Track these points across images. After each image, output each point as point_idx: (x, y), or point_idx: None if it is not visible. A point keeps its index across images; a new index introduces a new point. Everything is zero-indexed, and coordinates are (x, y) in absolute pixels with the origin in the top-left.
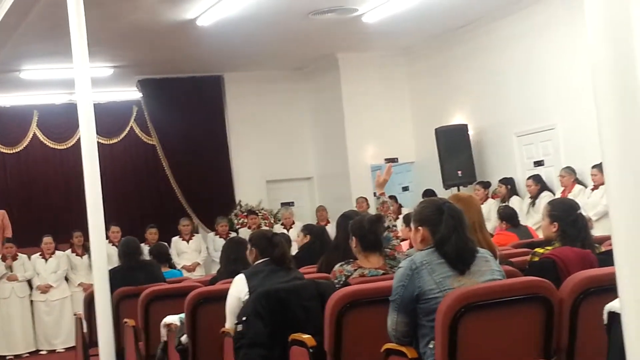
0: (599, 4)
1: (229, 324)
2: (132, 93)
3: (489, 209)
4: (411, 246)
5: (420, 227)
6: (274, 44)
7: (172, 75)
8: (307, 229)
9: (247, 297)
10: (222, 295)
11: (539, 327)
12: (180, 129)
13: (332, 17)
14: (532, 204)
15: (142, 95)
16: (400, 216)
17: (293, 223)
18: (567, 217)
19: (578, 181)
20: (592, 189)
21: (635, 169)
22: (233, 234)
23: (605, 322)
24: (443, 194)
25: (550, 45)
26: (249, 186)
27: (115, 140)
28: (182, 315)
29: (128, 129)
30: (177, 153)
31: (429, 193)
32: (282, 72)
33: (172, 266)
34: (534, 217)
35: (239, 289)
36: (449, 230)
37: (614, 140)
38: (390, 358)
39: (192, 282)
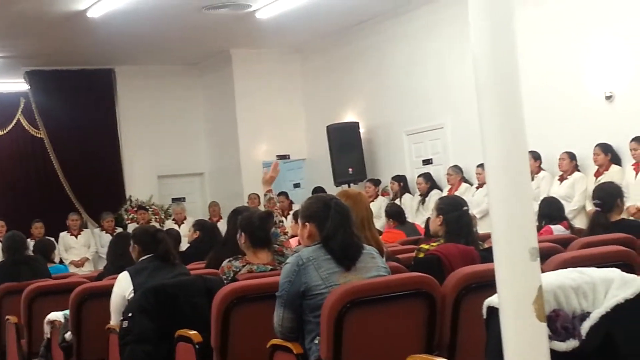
0: (482, 5)
1: (114, 321)
2: (19, 84)
3: (379, 207)
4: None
5: (307, 223)
6: (166, 38)
7: (61, 67)
8: (197, 225)
9: (131, 295)
10: (108, 291)
11: (423, 322)
12: (70, 122)
13: (226, 12)
14: (422, 201)
15: (29, 86)
16: (291, 213)
17: (184, 219)
18: (452, 212)
19: (464, 179)
20: (477, 187)
21: (514, 168)
22: (120, 230)
23: (485, 316)
24: (334, 191)
25: (441, 46)
26: (140, 181)
27: (1, 133)
28: (67, 311)
29: (15, 121)
30: (65, 147)
31: (318, 190)
32: (175, 67)
33: (59, 261)
34: (424, 215)
35: (123, 287)
36: (336, 226)
37: (494, 139)
38: (276, 354)
39: (78, 278)
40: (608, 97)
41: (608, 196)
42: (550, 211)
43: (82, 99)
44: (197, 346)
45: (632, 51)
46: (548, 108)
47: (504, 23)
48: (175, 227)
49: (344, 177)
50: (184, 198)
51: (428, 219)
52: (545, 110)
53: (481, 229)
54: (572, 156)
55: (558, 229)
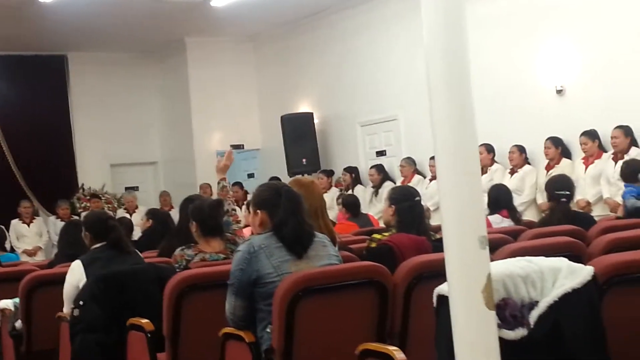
0: (435, 0)
1: (66, 309)
2: None
3: (332, 198)
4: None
5: (258, 211)
6: (121, 24)
7: (12, 52)
8: (150, 214)
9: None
10: (59, 280)
11: (374, 311)
12: (21, 109)
13: (181, 0)
14: (375, 193)
15: None
16: (246, 202)
17: (136, 207)
18: (404, 202)
19: (417, 172)
20: (430, 180)
21: (464, 159)
22: (75, 218)
23: (435, 305)
24: (288, 181)
25: (394, 38)
26: (93, 169)
27: None
28: (17, 299)
29: None
30: (16, 133)
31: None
32: (130, 54)
33: (10, 250)
34: (376, 206)
35: (76, 276)
36: (287, 214)
37: (445, 131)
38: (228, 342)
39: (28, 266)
40: (559, 91)
41: (572, 188)
42: (498, 196)
43: (33, 84)
44: (148, 335)
45: (582, 45)
46: (501, 102)
47: (456, 18)
48: (127, 215)
49: (298, 168)
50: (137, 187)
51: None
52: (498, 104)
53: (434, 220)
54: (521, 149)
55: (495, 220)
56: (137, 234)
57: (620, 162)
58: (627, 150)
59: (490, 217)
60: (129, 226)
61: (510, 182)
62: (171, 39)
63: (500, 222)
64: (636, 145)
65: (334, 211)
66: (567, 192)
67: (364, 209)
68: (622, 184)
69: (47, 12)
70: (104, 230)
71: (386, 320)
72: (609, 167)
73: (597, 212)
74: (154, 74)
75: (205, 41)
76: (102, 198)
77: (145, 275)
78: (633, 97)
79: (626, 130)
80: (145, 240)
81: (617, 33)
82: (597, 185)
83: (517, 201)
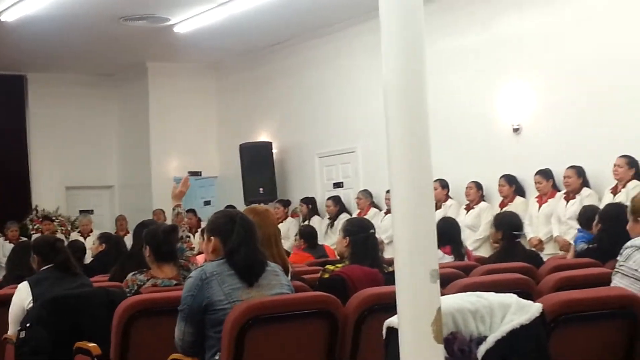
0: (395, 36)
1: (12, 331)
2: None
3: (288, 228)
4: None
5: (212, 237)
6: (82, 46)
7: None
8: (103, 238)
9: (30, 305)
10: (6, 301)
11: (324, 342)
12: None
13: (144, 24)
14: (331, 224)
15: None
16: (199, 230)
17: (91, 231)
18: (359, 234)
19: (374, 204)
20: (386, 213)
21: (419, 193)
22: (25, 240)
23: (384, 336)
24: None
25: (355, 70)
26: (48, 191)
27: None
28: None
29: None
30: None
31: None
32: (90, 77)
33: None
34: (332, 238)
35: (22, 297)
36: (240, 242)
37: (401, 165)
38: None
39: None
40: (516, 130)
41: (522, 227)
42: (444, 230)
43: None
44: (95, 359)
45: (540, 86)
46: (458, 138)
47: (416, 54)
48: (81, 239)
49: (255, 197)
50: (92, 210)
51: None
52: (455, 139)
53: (388, 253)
54: (478, 186)
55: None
56: (89, 258)
57: (572, 202)
58: (579, 190)
59: None
60: (81, 249)
61: (465, 218)
62: (133, 63)
63: (441, 257)
64: (588, 186)
65: (289, 241)
66: (522, 233)
67: (319, 240)
68: (572, 222)
69: (7, 32)
70: (52, 252)
71: (336, 351)
72: (560, 206)
73: (548, 251)
74: (114, 97)
75: (167, 67)
76: (56, 220)
77: (95, 299)
78: (588, 138)
79: (579, 171)
80: (97, 264)
81: (574, 75)
82: (550, 224)
83: (472, 237)
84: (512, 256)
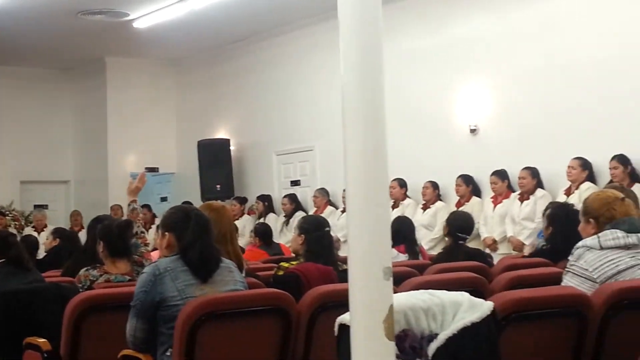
0: (353, 35)
1: None
2: None
3: (244, 225)
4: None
5: (166, 233)
6: (39, 40)
7: None
8: (56, 233)
9: None
10: None
11: (277, 338)
12: None
13: (102, 19)
14: (286, 222)
15: None
16: (154, 226)
17: (45, 226)
18: (314, 232)
19: (330, 203)
20: (342, 211)
21: (374, 190)
22: None
23: (336, 333)
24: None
25: (313, 69)
26: (2, 185)
27: None
28: None
29: None
30: None
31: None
32: (46, 71)
33: None
34: (287, 236)
35: None
36: (194, 238)
37: (356, 162)
38: None
39: None
40: (472, 130)
41: (472, 228)
42: (399, 228)
43: None
44: (45, 355)
45: (497, 87)
46: (416, 137)
47: (374, 53)
48: (35, 234)
49: (212, 193)
50: (46, 205)
51: None
52: (413, 140)
53: (343, 252)
54: (435, 185)
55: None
56: (42, 253)
57: (526, 203)
58: (533, 191)
59: None
60: (34, 244)
61: (422, 217)
62: (91, 58)
63: (395, 256)
64: (542, 187)
65: (245, 238)
66: (467, 237)
67: (274, 238)
68: (526, 223)
69: None
70: (4, 246)
71: (289, 348)
72: (514, 207)
73: (502, 250)
74: (71, 91)
75: (125, 62)
76: (9, 215)
77: (47, 294)
78: (542, 139)
79: (533, 172)
80: (50, 259)
81: (529, 77)
82: (504, 224)
83: (428, 237)
84: (454, 257)
